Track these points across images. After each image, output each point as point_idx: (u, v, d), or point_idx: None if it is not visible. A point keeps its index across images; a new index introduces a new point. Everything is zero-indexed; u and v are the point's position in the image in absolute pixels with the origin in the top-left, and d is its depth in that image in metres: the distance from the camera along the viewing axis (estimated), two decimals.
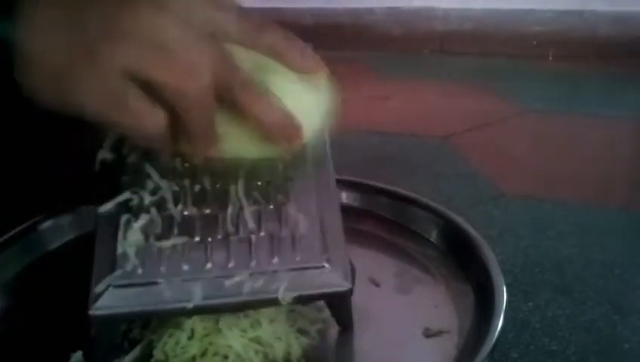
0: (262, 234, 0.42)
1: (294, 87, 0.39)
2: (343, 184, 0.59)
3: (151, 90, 0.35)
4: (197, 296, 0.39)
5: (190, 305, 0.39)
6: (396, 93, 1.65)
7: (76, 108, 0.36)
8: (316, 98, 0.41)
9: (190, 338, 0.41)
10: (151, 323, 0.43)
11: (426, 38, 2.04)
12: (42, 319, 0.47)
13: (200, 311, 0.40)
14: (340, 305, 0.43)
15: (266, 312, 0.42)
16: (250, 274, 0.40)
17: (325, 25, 2.11)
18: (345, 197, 0.59)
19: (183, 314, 0.41)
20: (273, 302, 0.40)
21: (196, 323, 0.42)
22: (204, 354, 0.41)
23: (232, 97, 0.36)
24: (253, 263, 0.41)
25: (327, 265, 0.41)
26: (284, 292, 0.40)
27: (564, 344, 0.68)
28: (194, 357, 0.41)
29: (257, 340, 0.41)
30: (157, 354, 0.41)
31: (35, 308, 0.48)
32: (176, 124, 0.36)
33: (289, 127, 0.38)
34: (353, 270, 0.42)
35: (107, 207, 0.42)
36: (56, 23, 0.35)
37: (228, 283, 0.40)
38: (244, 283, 0.40)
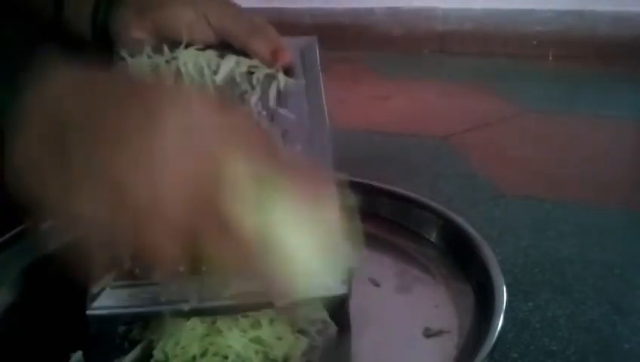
0: None
1: (299, 241, 0.34)
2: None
3: None
4: (193, 297, 0.39)
5: (186, 307, 0.39)
6: (396, 93, 1.65)
7: (61, 219, 0.34)
8: (323, 255, 0.35)
9: (190, 338, 0.41)
10: (151, 323, 0.43)
11: (426, 38, 2.04)
12: (42, 319, 0.47)
13: (196, 312, 0.40)
14: (337, 308, 0.43)
15: (266, 312, 0.42)
16: (246, 276, 0.40)
17: (325, 25, 2.11)
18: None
19: (180, 316, 0.41)
20: (269, 305, 0.40)
21: (196, 324, 0.42)
22: (204, 354, 0.41)
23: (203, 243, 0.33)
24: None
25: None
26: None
27: (564, 344, 0.68)
28: (194, 357, 0.41)
29: (257, 340, 0.41)
30: (157, 354, 0.41)
31: (35, 308, 0.48)
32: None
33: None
34: (351, 272, 0.42)
35: None
36: (43, 139, 0.33)
37: (224, 285, 0.40)
38: (239, 285, 0.40)
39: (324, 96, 0.48)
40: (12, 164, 0.33)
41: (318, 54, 0.50)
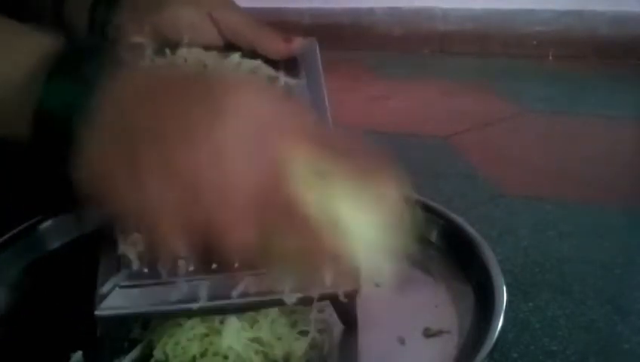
0: None
1: (364, 222, 0.34)
2: None
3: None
4: (202, 296, 0.39)
5: (196, 306, 0.39)
6: (396, 93, 1.65)
7: (111, 213, 0.35)
8: (383, 237, 0.35)
9: (190, 338, 0.41)
10: (151, 323, 0.43)
11: (426, 38, 2.04)
12: (42, 319, 0.47)
13: (205, 311, 0.40)
14: (345, 305, 0.43)
15: (267, 312, 0.42)
16: (255, 275, 0.40)
17: (325, 25, 2.11)
18: None
19: (189, 315, 0.41)
20: (278, 303, 0.40)
21: (196, 323, 0.42)
22: (204, 354, 0.41)
23: (273, 218, 0.34)
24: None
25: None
26: (288, 293, 0.39)
27: (564, 344, 0.68)
28: (194, 357, 0.41)
29: (257, 340, 0.41)
30: (157, 354, 0.41)
31: (35, 308, 0.48)
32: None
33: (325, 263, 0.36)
34: (358, 270, 0.42)
35: None
36: (113, 140, 0.34)
37: (233, 283, 0.40)
38: (248, 283, 0.40)
39: (326, 97, 0.48)
40: (82, 161, 0.34)
41: (318, 55, 0.50)
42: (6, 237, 0.52)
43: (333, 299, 0.42)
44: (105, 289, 0.39)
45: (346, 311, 0.43)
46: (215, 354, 0.41)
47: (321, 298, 0.41)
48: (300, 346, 0.42)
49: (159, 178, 0.33)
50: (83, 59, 0.35)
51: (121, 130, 0.34)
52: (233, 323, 0.41)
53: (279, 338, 0.42)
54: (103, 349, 0.41)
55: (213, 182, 0.33)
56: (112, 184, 0.34)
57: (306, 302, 0.41)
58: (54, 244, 0.54)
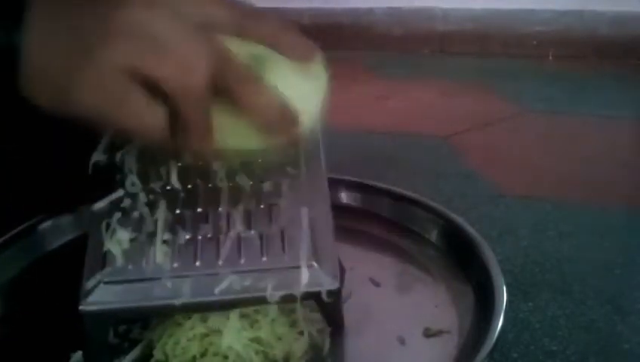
0: (252, 233, 0.42)
1: (290, 76, 0.39)
2: (343, 184, 0.59)
3: (149, 85, 0.35)
4: (185, 293, 0.39)
5: (178, 302, 0.39)
6: (396, 93, 1.65)
7: (77, 109, 0.36)
8: (312, 86, 0.41)
9: (190, 338, 0.41)
10: (151, 323, 0.43)
11: (426, 38, 2.04)
12: (42, 319, 0.47)
13: (188, 308, 0.40)
14: (328, 304, 0.42)
15: (266, 312, 0.42)
16: (239, 273, 0.40)
17: (325, 25, 2.11)
18: (345, 197, 0.59)
19: (172, 311, 0.41)
20: (261, 301, 0.40)
21: (196, 323, 0.42)
22: (204, 354, 0.41)
23: (228, 88, 0.37)
24: (242, 261, 0.41)
25: (315, 265, 0.41)
26: (271, 291, 0.40)
27: (564, 344, 0.68)
28: (194, 357, 0.41)
29: (257, 340, 0.41)
30: (157, 354, 0.41)
31: (35, 309, 0.48)
32: (174, 118, 0.36)
33: (286, 117, 0.38)
34: (342, 270, 0.42)
35: (100, 205, 0.42)
36: (55, 30, 0.36)
37: (216, 281, 0.40)
38: (232, 281, 0.40)
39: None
40: (29, 64, 0.36)
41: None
42: (6, 237, 0.52)
43: (317, 298, 0.42)
44: (89, 284, 0.39)
45: (331, 311, 0.43)
46: (215, 354, 0.41)
47: (304, 296, 0.41)
48: (300, 346, 0.42)
49: (106, 42, 0.35)
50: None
51: (56, 27, 0.36)
52: (233, 323, 0.41)
53: (279, 338, 0.42)
54: (90, 345, 0.41)
55: (156, 33, 0.35)
56: (62, 77, 0.36)
57: (288, 300, 0.41)
58: (54, 244, 0.54)
